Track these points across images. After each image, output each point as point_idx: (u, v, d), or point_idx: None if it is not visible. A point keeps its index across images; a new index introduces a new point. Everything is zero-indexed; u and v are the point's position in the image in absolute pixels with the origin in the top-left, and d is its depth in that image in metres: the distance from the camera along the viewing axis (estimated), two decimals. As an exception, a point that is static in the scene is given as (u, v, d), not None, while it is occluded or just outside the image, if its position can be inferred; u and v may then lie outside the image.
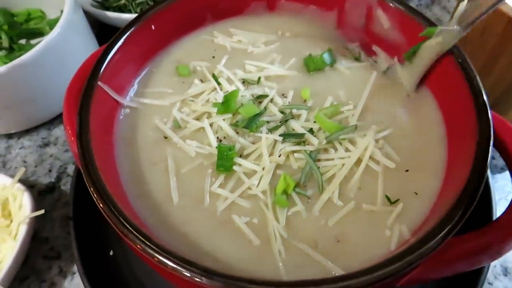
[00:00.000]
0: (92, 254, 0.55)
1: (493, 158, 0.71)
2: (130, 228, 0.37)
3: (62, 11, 0.71)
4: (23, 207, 0.61)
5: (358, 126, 0.49)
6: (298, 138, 0.48)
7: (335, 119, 0.51)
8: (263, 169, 0.46)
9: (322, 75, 0.57)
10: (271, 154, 0.47)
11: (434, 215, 0.41)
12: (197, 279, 0.34)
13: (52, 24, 0.81)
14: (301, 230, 0.43)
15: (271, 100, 0.52)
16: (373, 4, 0.56)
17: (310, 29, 0.62)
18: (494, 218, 0.53)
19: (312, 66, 0.56)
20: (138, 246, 0.36)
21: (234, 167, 0.46)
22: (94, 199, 0.40)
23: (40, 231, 0.66)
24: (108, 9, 0.88)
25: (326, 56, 0.56)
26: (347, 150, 0.47)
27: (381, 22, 0.56)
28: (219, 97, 0.52)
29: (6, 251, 0.57)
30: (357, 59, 0.59)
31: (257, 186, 0.45)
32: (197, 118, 0.52)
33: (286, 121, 0.49)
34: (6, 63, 0.65)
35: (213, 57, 0.59)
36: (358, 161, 0.47)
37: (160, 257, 0.35)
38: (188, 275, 0.34)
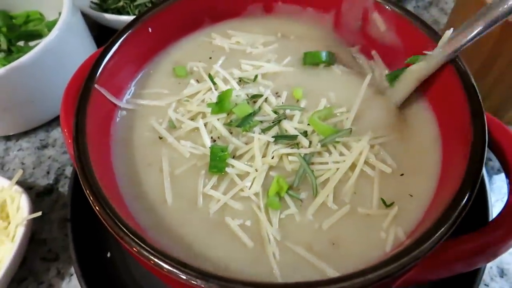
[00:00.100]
0: (89, 256, 0.55)
1: (490, 159, 0.71)
2: (126, 231, 0.37)
3: (60, 13, 0.71)
4: (21, 209, 0.61)
5: (353, 130, 0.49)
6: (290, 140, 0.48)
7: (329, 122, 0.51)
8: (256, 170, 0.46)
9: (317, 74, 0.57)
10: (264, 156, 0.47)
11: (429, 217, 0.42)
12: (193, 282, 0.34)
13: (51, 26, 0.81)
14: (295, 232, 0.43)
15: (266, 100, 0.52)
16: (369, 7, 0.56)
17: (308, 31, 0.63)
18: (490, 219, 0.53)
19: (308, 59, 0.57)
20: (134, 249, 0.36)
21: (227, 169, 0.46)
22: (90, 201, 0.40)
23: (38, 233, 0.67)
24: (106, 11, 0.88)
25: (323, 54, 0.57)
26: (341, 154, 0.47)
27: (377, 25, 0.56)
28: (214, 97, 0.53)
29: (4, 253, 0.57)
30: (355, 63, 0.59)
31: (250, 188, 0.45)
32: (192, 118, 0.52)
33: (279, 121, 0.49)
34: (4, 65, 0.66)
35: (210, 58, 0.60)
36: (353, 166, 0.47)
37: (156, 260, 0.35)
38: (184, 277, 0.35)
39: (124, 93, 0.56)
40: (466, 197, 0.38)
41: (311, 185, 0.45)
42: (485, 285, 0.60)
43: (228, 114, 0.51)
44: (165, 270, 0.35)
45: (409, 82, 0.51)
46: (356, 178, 0.46)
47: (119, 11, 0.89)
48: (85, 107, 0.47)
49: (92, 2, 0.90)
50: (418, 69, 0.49)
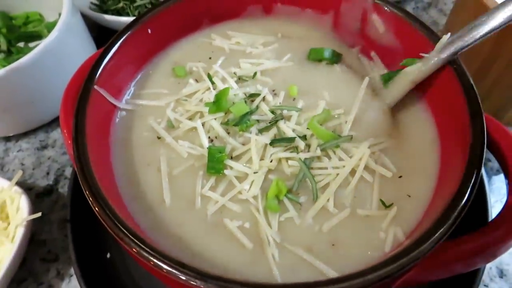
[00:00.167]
0: (89, 256, 0.55)
1: (489, 160, 0.71)
2: (125, 232, 0.37)
3: (60, 14, 0.71)
4: (20, 209, 0.61)
5: (352, 135, 0.49)
6: (288, 142, 0.48)
7: (327, 125, 0.50)
8: (254, 173, 0.46)
9: (317, 72, 0.57)
10: (262, 158, 0.47)
11: (428, 217, 0.42)
12: (192, 282, 0.34)
13: (50, 27, 0.81)
14: (294, 235, 0.43)
15: (263, 98, 0.52)
16: (368, 8, 0.56)
17: (307, 32, 0.63)
18: (490, 220, 0.53)
19: (312, 55, 0.58)
20: (133, 250, 0.36)
21: (225, 171, 0.46)
22: (90, 202, 0.40)
23: (38, 234, 0.67)
24: (106, 12, 0.89)
25: (326, 51, 0.57)
26: (340, 159, 0.47)
27: (376, 26, 0.57)
28: (213, 96, 0.52)
29: (4, 254, 0.57)
30: (359, 64, 0.59)
31: (248, 191, 0.45)
32: (190, 118, 0.52)
33: (276, 122, 0.49)
34: (4, 66, 0.65)
35: (210, 58, 0.60)
36: (352, 170, 0.46)
37: (155, 260, 0.35)
38: (183, 278, 0.35)
39: (123, 93, 0.56)
40: (465, 197, 0.38)
41: (311, 189, 0.45)
42: (485, 285, 0.60)
43: (226, 113, 0.51)
44: (164, 270, 0.35)
45: (403, 84, 0.51)
46: (356, 183, 0.46)
47: (118, 12, 0.89)
48: (84, 108, 0.47)
49: (92, 3, 0.90)
50: (414, 71, 0.49)
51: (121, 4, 0.89)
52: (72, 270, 0.63)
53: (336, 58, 0.58)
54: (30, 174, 0.74)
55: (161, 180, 0.47)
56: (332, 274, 0.40)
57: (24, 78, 0.68)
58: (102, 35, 0.87)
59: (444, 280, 0.43)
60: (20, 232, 0.58)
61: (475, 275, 0.50)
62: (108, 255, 0.57)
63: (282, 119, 0.50)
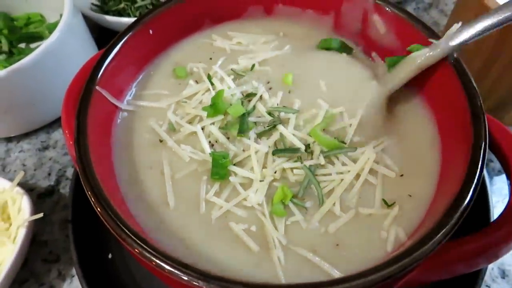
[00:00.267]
0: (90, 257, 0.55)
1: (491, 161, 0.71)
2: (128, 232, 0.37)
3: (61, 15, 0.71)
4: (22, 210, 0.61)
5: (355, 139, 0.49)
6: (291, 153, 0.47)
7: (330, 129, 0.49)
8: (260, 181, 0.45)
9: (317, 58, 0.56)
10: (264, 166, 0.46)
11: (430, 217, 0.42)
12: (194, 283, 0.34)
13: (52, 28, 0.81)
14: (300, 237, 0.43)
15: (260, 97, 0.52)
16: (369, 9, 0.56)
17: (308, 33, 0.63)
18: (492, 220, 0.53)
19: (322, 43, 0.58)
20: (136, 250, 0.36)
21: (230, 178, 0.46)
22: (92, 203, 0.40)
23: (39, 234, 0.67)
24: (107, 13, 0.89)
25: (334, 41, 0.58)
26: (343, 164, 0.47)
27: (377, 26, 0.57)
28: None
29: (5, 254, 0.57)
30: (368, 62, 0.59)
31: (253, 198, 0.45)
32: (190, 121, 0.52)
33: (274, 126, 0.48)
34: (5, 67, 0.66)
35: (211, 58, 0.60)
36: (357, 175, 0.46)
37: (157, 261, 0.35)
38: (185, 278, 0.35)
39: (125, 94, 0.56)
40: (468, 198, 0.38)
41: (317, 195, 0.45)
42: (487, 286, 0.60)
43: (224, 115, 0.50)
44: (166, 271, 0.35)
45: (408, 69, 0.50)
46: (360, 186, 0.46)
47: (120, 13, 0.89)
48: (86, 108, 0.47)
49: (93, 4, 0.91)
50: (421, 56, 0.49)
51: (122, 5, 0.89)
52: (73, 271, 0.63)
53: (343, 50, 0.58)
54: (31, 175, 0.74)
55: (164, 182, 0.47)
56: (336, 274, 0.40)
57: (26, 79, 0.68)
58: (103, 36, 0.87)
59: (446, 281, 0.43)
60: (21, 233, 0.58)
61: (477, 276, 0.50)
62: (110, 256, 0.57)
63: (280, 123, 0.49)
